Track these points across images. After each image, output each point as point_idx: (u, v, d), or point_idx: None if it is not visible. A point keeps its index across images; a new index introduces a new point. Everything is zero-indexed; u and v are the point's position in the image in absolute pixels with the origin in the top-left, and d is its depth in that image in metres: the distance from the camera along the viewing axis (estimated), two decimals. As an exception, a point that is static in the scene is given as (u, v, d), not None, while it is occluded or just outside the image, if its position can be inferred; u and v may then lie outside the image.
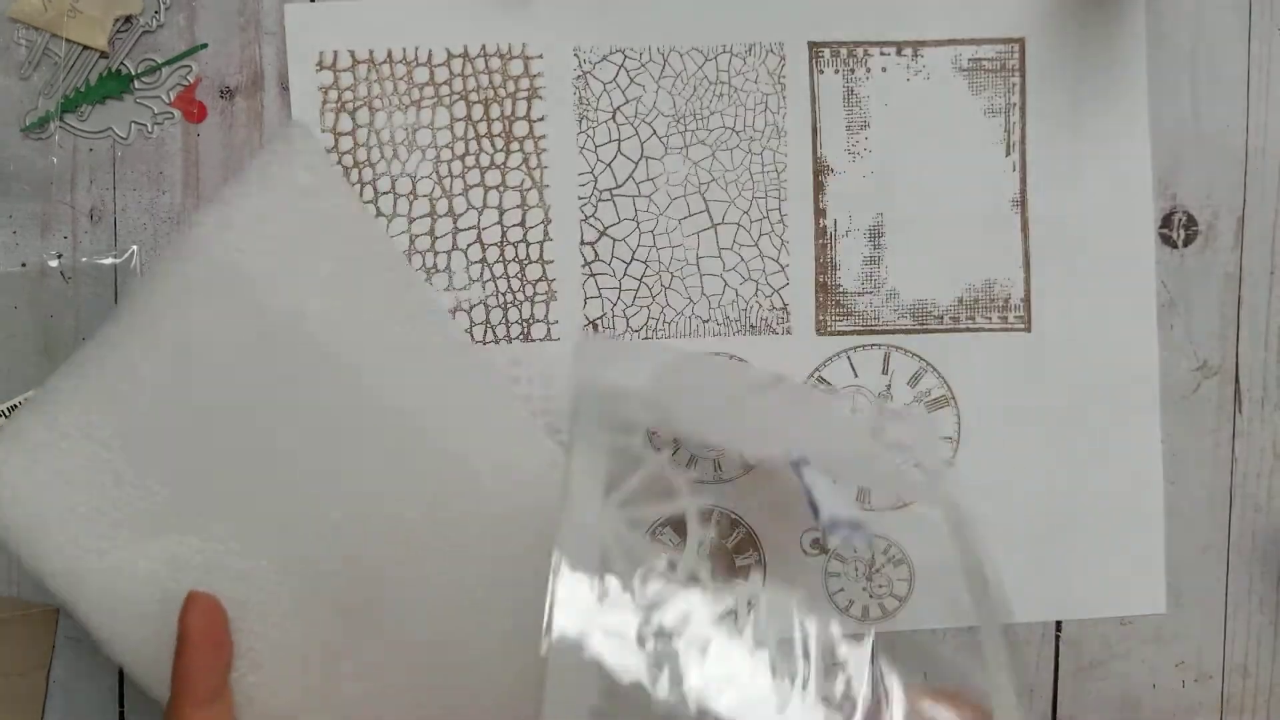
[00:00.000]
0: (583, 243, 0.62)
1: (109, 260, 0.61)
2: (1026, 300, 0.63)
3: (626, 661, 0.37)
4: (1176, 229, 0.63)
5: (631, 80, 0.62)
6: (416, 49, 0.61)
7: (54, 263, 0.61)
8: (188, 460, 0.49)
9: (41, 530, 0.46)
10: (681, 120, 0.62)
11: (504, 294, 0.62)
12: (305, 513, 0.49)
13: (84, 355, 0.50)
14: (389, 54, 0.61)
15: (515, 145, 0.62)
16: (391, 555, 0.49)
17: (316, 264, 0.50)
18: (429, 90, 0.61)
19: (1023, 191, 0.63)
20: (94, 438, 0.48)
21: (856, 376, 0.63)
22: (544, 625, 0.36)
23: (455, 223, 0.62)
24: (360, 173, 0.61)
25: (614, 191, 0.62)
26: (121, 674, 0.61)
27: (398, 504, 0.50)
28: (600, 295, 0.62)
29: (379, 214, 0.61)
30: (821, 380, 0.63)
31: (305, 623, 0.50)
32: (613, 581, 0.38)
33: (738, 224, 0.62)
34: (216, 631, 0.48)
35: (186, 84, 0.61)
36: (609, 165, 0.62)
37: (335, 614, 0.50)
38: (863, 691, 0.41)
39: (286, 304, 0.49)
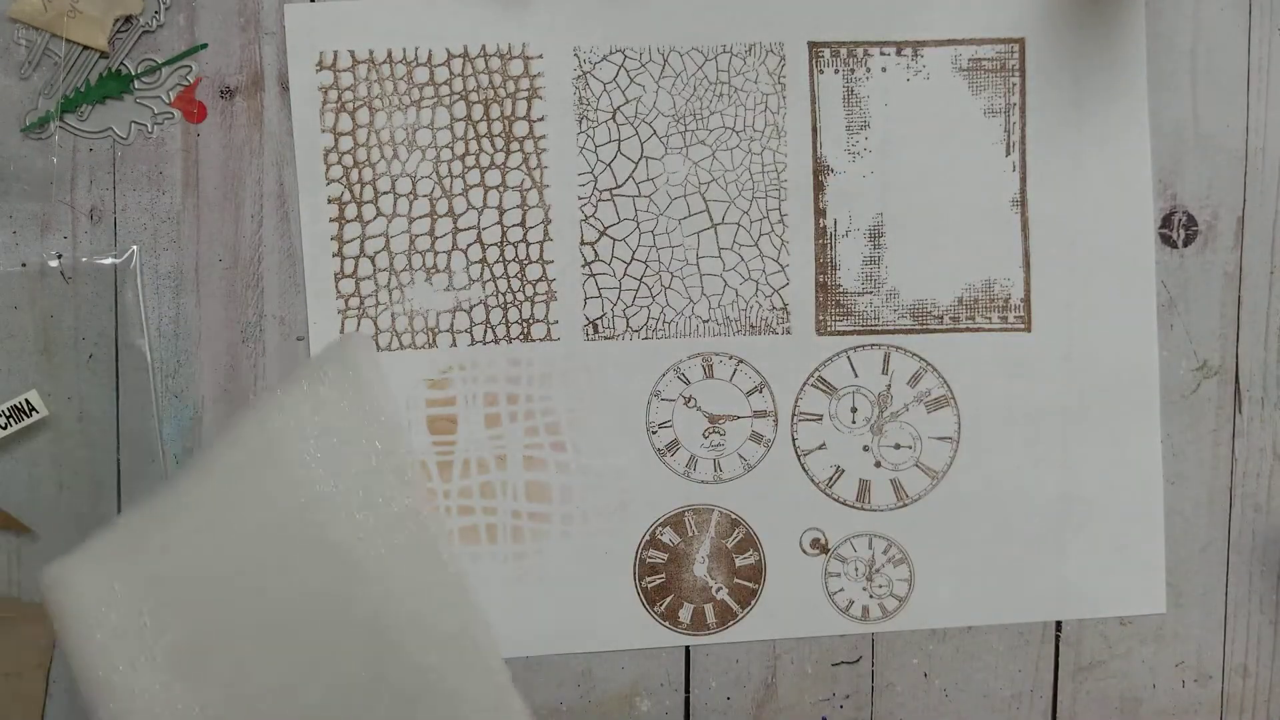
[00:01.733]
0: (583, 243, 0.62)
1: (109, 260, 0.61)
2: (1026, 300, 0.63)
3: None
4: (1176, 229, 0.63)
5: (631, 80, 0.62)
6: (416, 49, 0.61)
7: (54, 263, 0.61)
8: (199, 618, 0.55)
9: (88, 641, 0.55)
10: (681, 120, 0.62)
11: (504, 294, 0.62)
12: (289, 685, 0.55)
13: (138, 513, 0.56)
14: (389, 54, 0.61)
15: (515, 145, 0.62)
16: None
17: (345, 463, 0.56)
18: (429, 90, 0.61)
19: (1023, 191, 0.63)
20: (133, 585, 0.55)
21: (856, 376, 0.63)
22: None
23: (455, 223, 0.62)
24: (360, 173, 0.61)
25: (614, 191, 0.62)
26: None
27: (368, 698, 0.55)
28: (600, 295, 0.62)
29: (379, 214, 0.61)
30: (821, 380, 0.63)
31: None
32: None
33: (738, 224, 0.62)
34: None
35: (186, 84, 0.61)
36: (609, 165, 0.62)
37: None
38: None
39: (310, 493, 0.55)
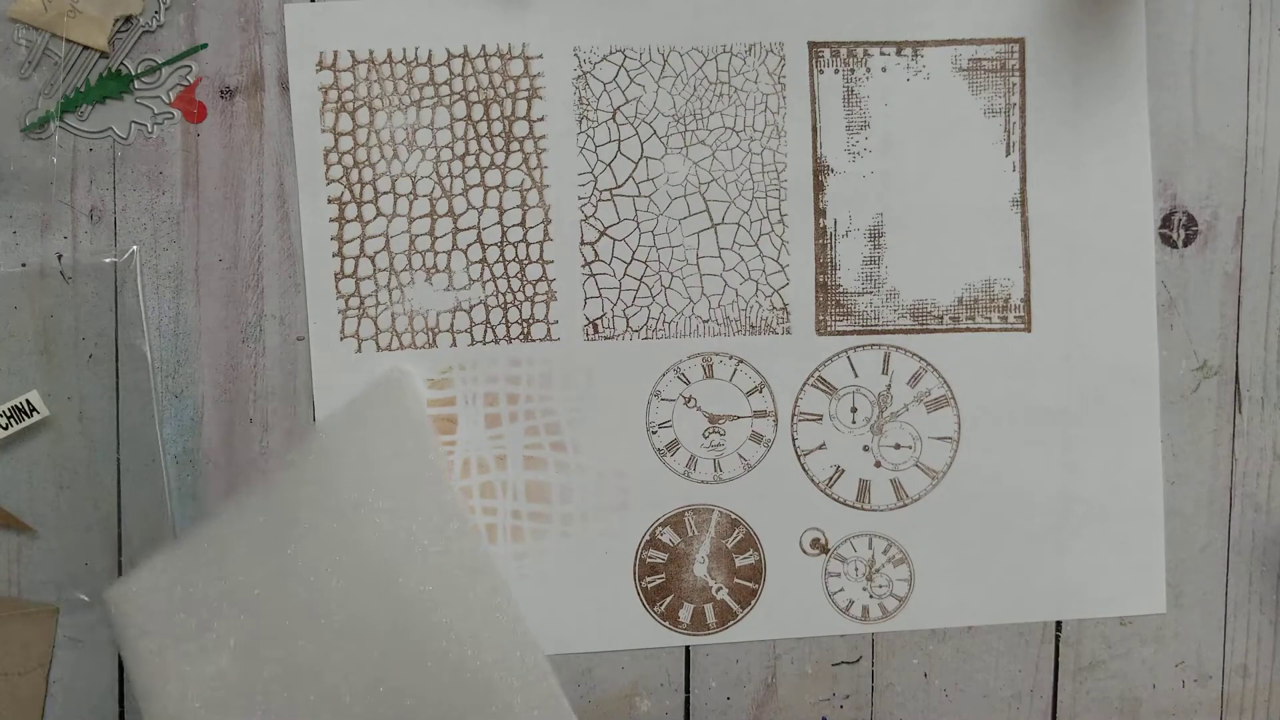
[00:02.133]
0: (583, 243, 0.62)
1: (109, 260, 0.61)
2: (1026, 300, 0.63)
3: None
4: (1176, 229, 0.63)
5: (631, 80, 0.62)
6: (416, 49, 0.61)
7: (54, 263, 0.61)
8: (254, 610, 0.59)
9: (149, 639, 0.60)
10: (681, 120, 0.62)
11: (504, 294, 0.62)
12: (335, 664, 0.58)
13: (199, 529, 0.61)
14: (389, 54, 0.61)
15: (515, 145, 0.62)
16: None
17: (385, 475, 0.60)
18: (429, 90, 0.61)
19: (1023, 191, 0.63)
20: (195, 588, 0.60)
21: (856, 376, 0.63)
22: None
23: (455, 223, 0.62)
24: (360, 173, 0.61)
25: (614, 191, 0.62)
26: (121, 674, 0.61)
27: (411, 673, 0.58)
28: (600, 295, 0.62)
29: (379, 214, 0.61)
30: (821, 380, 0.63)
31: None
32: None
33: (738, 224, 0.62)
34: None
35: (186, 84, 0.61)
36: (609, 165, 0.62)
37: None
38: None
39: (357, 498, 0.59)
